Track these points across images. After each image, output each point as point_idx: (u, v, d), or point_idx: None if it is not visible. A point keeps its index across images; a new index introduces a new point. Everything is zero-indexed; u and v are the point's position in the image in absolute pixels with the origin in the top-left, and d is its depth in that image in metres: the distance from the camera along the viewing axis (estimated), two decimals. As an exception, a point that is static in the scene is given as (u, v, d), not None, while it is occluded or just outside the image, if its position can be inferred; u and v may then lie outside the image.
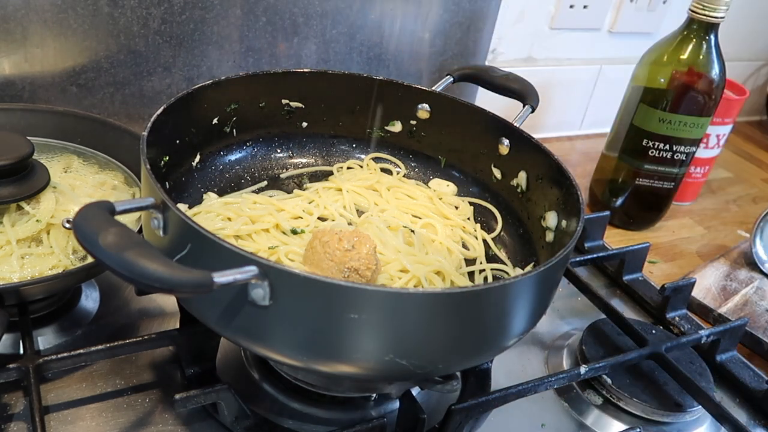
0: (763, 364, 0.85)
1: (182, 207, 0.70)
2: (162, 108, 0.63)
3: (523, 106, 0.82)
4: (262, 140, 0.81)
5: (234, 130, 0.77)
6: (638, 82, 1.01)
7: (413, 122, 0.83)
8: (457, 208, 0.80)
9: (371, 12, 1.04)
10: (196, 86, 0.69)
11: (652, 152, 1.02)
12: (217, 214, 0.69)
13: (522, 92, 0.84)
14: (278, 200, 0.74)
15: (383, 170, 0.84)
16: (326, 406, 0.66)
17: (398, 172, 0.84)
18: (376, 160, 0.85)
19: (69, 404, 0.63)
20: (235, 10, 0.96)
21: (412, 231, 0.73)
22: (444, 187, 0.82)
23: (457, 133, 0.81)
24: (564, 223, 0.67)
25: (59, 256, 0.67)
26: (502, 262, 0.75)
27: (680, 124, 0.99)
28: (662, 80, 0.97)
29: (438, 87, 0.83)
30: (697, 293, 0.92)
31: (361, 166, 0.83)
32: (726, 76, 0.98)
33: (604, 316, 0.82)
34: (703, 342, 0.79)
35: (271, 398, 0.66)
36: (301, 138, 0.83)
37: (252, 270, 0.46)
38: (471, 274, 0.72)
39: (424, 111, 0.82)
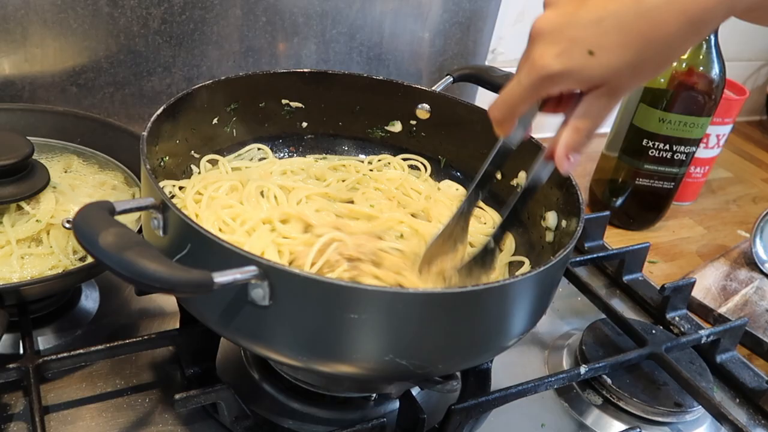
0: (763, 364, 0.85)
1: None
2: (162, 108, 0.63)
3: (523, 106, 0.82)
4: (262, 140, 0.81)
5: (234, 130, 0.77)
6: (638, 82, 1.01)
7: (413, 122, 0.83)
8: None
9: (371, 12, 1.04)
10: (196, 86, 0.69)
11: (652, 152, 1.02)
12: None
13: (522, 92, 0.84)
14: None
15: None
16: (326, 406, 0.66)
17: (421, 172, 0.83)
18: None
19: (69, 404, 0.63)
20: (235, 10, 0.96)
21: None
22: (453, 190, 0.81)
23: (457, 133, 0.81)
24: (564, 223, 0.67)
25: (59, 256, 0.67)
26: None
27: (680, 124, 0.99)
28: (662, 80, 0.97)
29: (438, 87, 0.83)
30: (697, 293, 0.92)
31: (389, 162, 0.82)
32: (726, 76, 0.98)
33: (604, 316, 0.82)
34: (703, 342, 0.79)
35: (271, 398, 0.66)
36: (301, 138, 0.83)
37: (252, 270, 0.46)
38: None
39: (424, 111, 0.81)
